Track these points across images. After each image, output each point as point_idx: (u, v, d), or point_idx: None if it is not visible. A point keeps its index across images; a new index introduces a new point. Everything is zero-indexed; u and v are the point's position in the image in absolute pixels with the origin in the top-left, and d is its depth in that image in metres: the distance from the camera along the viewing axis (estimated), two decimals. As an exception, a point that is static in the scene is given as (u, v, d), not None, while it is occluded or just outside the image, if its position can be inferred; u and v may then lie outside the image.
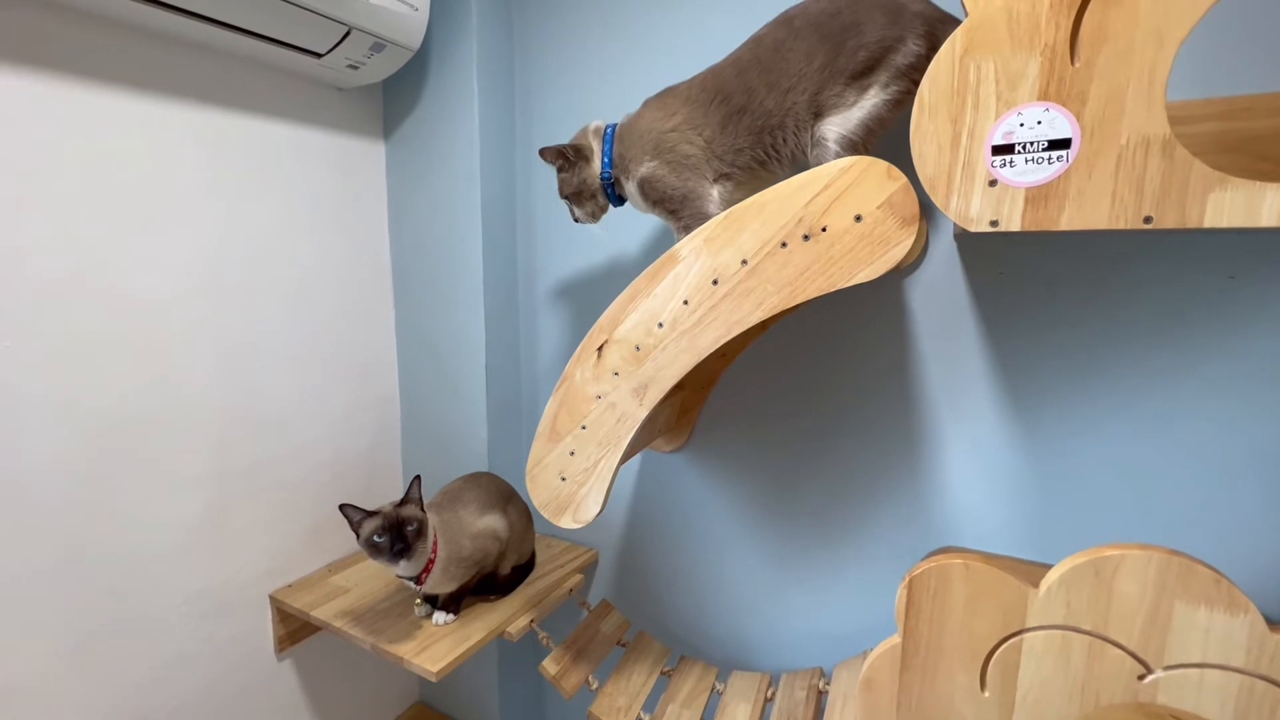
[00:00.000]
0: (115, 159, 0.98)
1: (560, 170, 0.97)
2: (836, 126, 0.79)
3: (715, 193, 0.87)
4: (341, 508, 1.00)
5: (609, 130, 0.94)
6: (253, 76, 1.14)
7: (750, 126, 0.83)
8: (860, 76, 0.79)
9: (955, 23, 0.80)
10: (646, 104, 0.93)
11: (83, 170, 0.95)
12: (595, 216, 1.00)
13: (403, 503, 1.02)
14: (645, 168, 0.89)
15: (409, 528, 1.00)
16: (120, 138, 0.98)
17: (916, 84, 0.79)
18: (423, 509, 1.04)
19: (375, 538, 0.98)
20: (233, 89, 1.12)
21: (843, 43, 0.78)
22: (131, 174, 1.00)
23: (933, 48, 0.78)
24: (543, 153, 0.96)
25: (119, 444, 1.01)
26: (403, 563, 1.00)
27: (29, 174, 0.89)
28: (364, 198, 1.37)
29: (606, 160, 0.93)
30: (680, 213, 0.88)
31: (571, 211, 1.01)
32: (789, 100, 0.81)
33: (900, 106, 0.80)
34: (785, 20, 0.83)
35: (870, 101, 0.79)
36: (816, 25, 0.80)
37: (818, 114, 0.81)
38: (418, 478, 1.04)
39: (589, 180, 0.95)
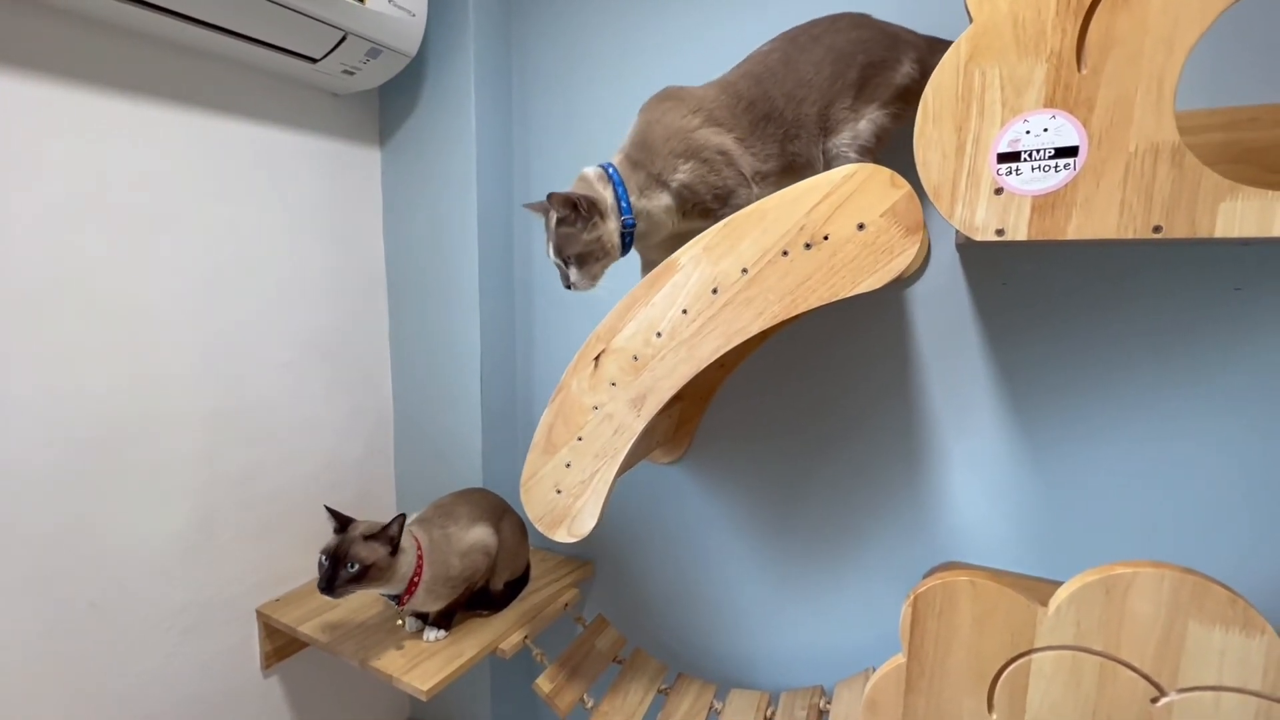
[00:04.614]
0: (105, 162, 0.96)
1: (562, 223, 0.81)
2: (848, 136, 0.82)
3: (756, 192, 0.82)
4: (327, 508, 0.97)
5: (611, 171, 0.83)
6: (247, 81, 1.13)
7: (775, 135, 0.83)
8: (864, 89, 0.82)
9: (942, 50, 0.81)
10: (651, 111, 0.85)
11: (71, 173, 0.93)
12: (597, 279, 0.84)
13: (372, 535, 0.95)
14: (682, 173, 0.80)
15: (348, 566, 0.92)
16: (111, 141, 0.97)
17: (909, 104, 0.83)
18: (392, 548, 0.96)
19: (321, 557, 0.94)
20: (226, 93, 1.10)
21: (851, 56, 0.81)
22: (122, 178, 0.98)
23: (924, 74, 0.82)
24: (551, 199, 0.80)
25: (103, 452, 0.98)
26: (382, 584, 0.97)
27: (16, 176, 0.88)
28: (359, 204, 1.35)
29: (625, 205, 0.82)
30: (720, 213, 0.80)
31: (565, 276, 0.84)
32: (802, 111, 0.82)
33: (899, 121, 0.83)
34: (789, 38, 0.85)
35: (875, 114, 0.82)
36: (821, 40, 0.83)
37: (828, 131, 0.83)
38: (402, 517, 0.97)
39: (604, 238, 0.81)
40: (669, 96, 0.85)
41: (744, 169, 0.81)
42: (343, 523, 0.98)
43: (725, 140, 0.81)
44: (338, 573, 0.92)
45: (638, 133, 0.84)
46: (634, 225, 0.83)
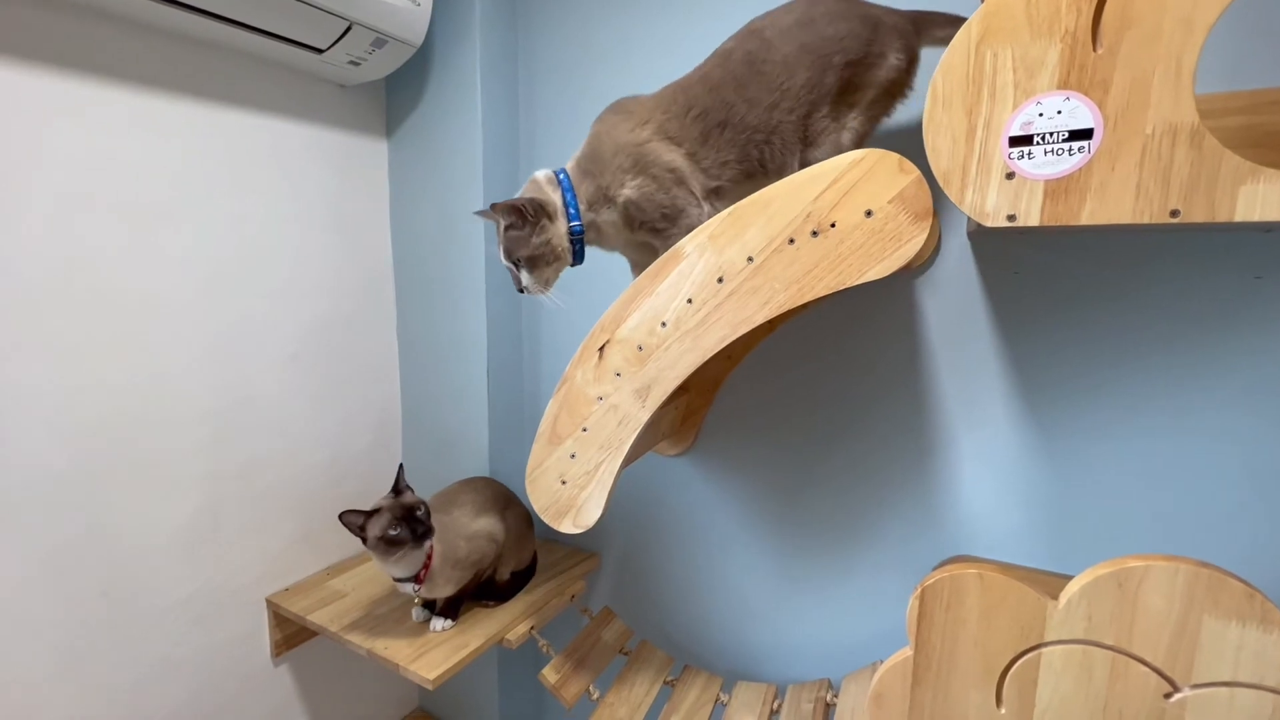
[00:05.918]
0: (111, 154, 0.97)
1: (510, 229, 0.81)
2: (830, 151, 0.78)
3: (707, 210, 0.80)
4: (341, 516, 0.98)
5: (561, 176, 0.83)
6: (253, 72, 1.13)
7: (733, 140, 0.79)
8: (846, 93, 0.78)
9: (932, 28, 0.81)
10: (602, 123, 0.84)
11: (77, 165, 0.93)
12: (550, 284, 0.84)
13: (398, 492, 1.03)
14: (629, 188, 0.79)
15: (418, 512, 1.00)
16: (116, 133, 0.97)
17: (894, 99, 0.81)
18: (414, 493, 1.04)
19: (391, 531, 0.97)
20: (232, 85, 1.10)
21: (828, 57, 0.76)
22: (128, 170, 0.99)
23: (911, 61, 0.79)
24: (494, 208, 0.80)
25: (111, 443, 0.99)
26: (409, 557, 1.00)
27: (23, 169, 0.88)
28: (366, 196, 1.35)
29: (573, 211, 0.81)
30: (668, 231, 0.80)
31: (518, 280, 0.84)
32: (773, 117, 0.78)
33: (877, 122, 0.81)
34: (753, 32, 0.80)
35: (857, 120, 0.79)
36: (791, 35, 0.77)
37: (809, 143, 0.79)
38: (401, 466, 1.07)
39: (554, 241, 0.81)
40: (619, 109, 0.83)
41: (694, 188, 0.79)
42: (366, 513, 0.99)
43: (675, 157, 0.79)
44: (418, 518, 0.99)
45: (588, 144, 0.84)
46: (582, 232, 0.82)
